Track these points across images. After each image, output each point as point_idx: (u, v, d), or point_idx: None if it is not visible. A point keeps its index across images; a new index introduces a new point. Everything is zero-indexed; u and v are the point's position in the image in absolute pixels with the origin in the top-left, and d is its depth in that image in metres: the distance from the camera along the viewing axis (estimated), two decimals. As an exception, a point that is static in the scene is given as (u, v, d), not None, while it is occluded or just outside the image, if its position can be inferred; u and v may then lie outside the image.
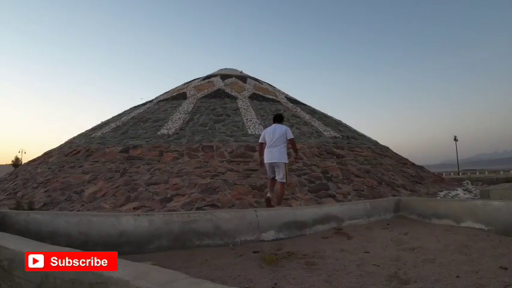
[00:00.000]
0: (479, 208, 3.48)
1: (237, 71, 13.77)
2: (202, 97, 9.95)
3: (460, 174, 29.13)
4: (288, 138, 4.50)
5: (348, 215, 3.78)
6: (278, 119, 4.77)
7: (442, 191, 6.88)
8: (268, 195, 4.43)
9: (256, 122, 8.09)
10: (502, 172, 26.63)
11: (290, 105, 10.47)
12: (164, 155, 6.43)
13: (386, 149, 9.65)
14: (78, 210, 4.75)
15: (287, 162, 4.44)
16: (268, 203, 4.38)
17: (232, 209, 4.52)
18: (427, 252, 2.58)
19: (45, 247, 1.78)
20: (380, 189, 6.02)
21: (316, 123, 9.19)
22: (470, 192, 7.22)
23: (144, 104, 10.92)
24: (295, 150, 4.79)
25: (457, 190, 7.23)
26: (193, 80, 12.87)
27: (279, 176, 4.34)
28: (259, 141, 4.72)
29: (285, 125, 4.69)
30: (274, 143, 4.41)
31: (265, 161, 4.48)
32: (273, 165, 4.39)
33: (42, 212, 3.73)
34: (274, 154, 4.37)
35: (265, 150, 4.49)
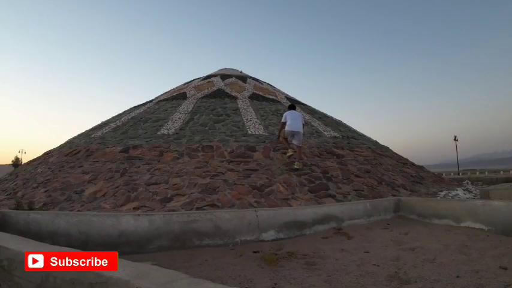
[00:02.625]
0: (479, 208, 3.48)
1: (237, 71, 13.76)
2: (202, 97, 9.95)
3: (460, 174, 29.11)
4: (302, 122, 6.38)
5: (348, 215, 3.78)
6: (293, 107, 6.90)
7: (442, 191, 6.87)
8: (291, 152, 6.17)
9: (256, 122, 8.09)
10: (502, 172, 26.62)
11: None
12: (164, 155, 6.43)
13: (386, 149, 9.64)
14: (78, 210, 4.75)
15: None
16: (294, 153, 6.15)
17: (232, 209, 4.52)
18: (427, 252, 2.58)
19: (45, 247, 1.78)
20: (380, 189, 6.02)
21: (316, 123, 9.19)
22: (470, 192, 7.21)
23: (144, 104, 10.92)
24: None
25: (457, 190, 7.22)
26: (193, 80, 12.86)
27: (300, 142, 6.14)
28: (282, 121, 6.39)
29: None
30: (295, 119, 6.22)
31: (288, 129, 6.11)
32: (294, 133, 6.09)
33: (42, 212, 3.72)
34: (298, 125, 6.15)
35: (289, 123, 6.14)
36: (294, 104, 7.10)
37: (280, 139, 6.54)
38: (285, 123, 6.26)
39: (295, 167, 5.91)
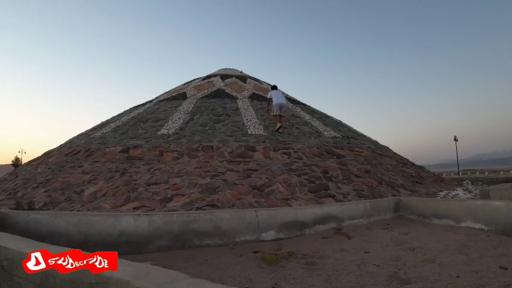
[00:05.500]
0: (479, 208, 3.49)
1: (237, 71, 13.76)
2: (202, 97, 9.95)
3: (460, 174, 29.07)
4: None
5: (348, 215, 3.78)
6: (275, 87, 8.46)
7: (442, 191, 6.88)
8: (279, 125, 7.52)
9: (256, 122, 8.09)
10: (502, 172, 26.57)
11: (290, 105, 10.46)
12: (164, 155, 6.43)
13: (386, 149, 9.64)
14: (78, 210, 4.75)
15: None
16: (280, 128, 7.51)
17: (232, 209, 4.52)
18: (427, 252, 2.58)
19: (45, 247, 1.78)
20: (380, 189, 6.02)
21: (316, 123, 9.18)
22: (470, 192, 7.22)
23: (144, 104, 10.92)
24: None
25: (457, 190, 7.23)
26: (193, 80, 12.86)
27: (283, 112, 7.59)
28: (268, 97, 7.93)
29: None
30: (279, 95, 7.72)
31: (276, 103, 7.43)
32: (281, 106, 7.42)
33: (42, 212, 3.72)
34: (283, 99, 7.67)
35: (275, 98, 7.52)
36: (275, 85, 8.58)
37: (271, 114, 7.92)
38: (270, 99, 7.72)
39: (277, 128, 7.44)
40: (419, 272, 2.10)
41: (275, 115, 7.60)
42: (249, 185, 5.28)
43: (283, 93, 8.70)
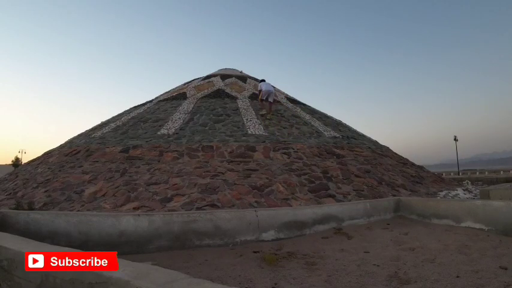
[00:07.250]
0: (479, 208, 3.49)
1: (237, 71, 13.76)
2: (202, 97, 9.95)
3: (460, 174, 29.06)
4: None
5: (348, 215, 3.78)
6: (263, 80, 9.42)
7: (442, 191, 6.88)
8: (265, 112, 8.75)
9: (256, 122, 8.09)
10: (502, 172, 26.55)
11: (290, 105, 10.47)
12: (164, 155, 6.43)
13: (387, 149, 9.64)
14: (78, 210, 4.75)
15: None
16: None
17: (232, 209, 4.52)
18: (427, 252, 2.58)
19: (45, 247, 1.78)
20: (380, 189, 6.02)
21: (316, 123, 9.18)
22: (470, 192, 7.21)
23: (144, 104, 10.92)
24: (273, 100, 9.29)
25: (457, 190, 7.23)
26: (193, 80, 12.86)
27: (272, 99, 8.78)
28: (259, 89, 9.02)
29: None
30: (267, 85, 8.83)
31: (265, 89, 8.61)
32: (269, 92, 8.61)
33: (42, 212, 3.73)
34: (270, 88, 8.78)
35: (264, 87, 8.67)
36: (263, 79, 9.60)
37: (260, 102, 9.01)
38: (261, 90, 8.78)
39: (267, 117, 8.45)
40: (419, 272, 2.10)
41: (262, 100, 8.74)
42: (249, 185, 5.28)
43: (273, 86, 9.54)
